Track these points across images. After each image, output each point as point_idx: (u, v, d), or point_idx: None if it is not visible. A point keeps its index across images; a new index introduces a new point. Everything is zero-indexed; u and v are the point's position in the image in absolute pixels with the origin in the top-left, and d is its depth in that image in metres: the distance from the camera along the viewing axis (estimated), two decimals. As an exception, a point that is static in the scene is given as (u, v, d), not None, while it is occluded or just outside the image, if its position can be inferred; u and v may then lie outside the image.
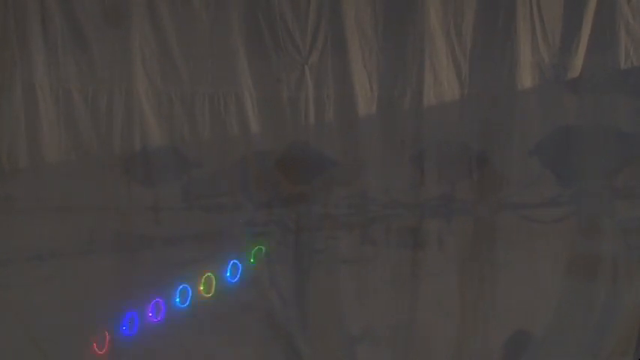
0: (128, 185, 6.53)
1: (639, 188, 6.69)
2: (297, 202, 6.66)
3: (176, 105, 6.56)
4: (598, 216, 6.67)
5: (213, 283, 6.54)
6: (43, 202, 6.46)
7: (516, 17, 6.60)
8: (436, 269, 6.68)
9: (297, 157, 6.64)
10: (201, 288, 6.52)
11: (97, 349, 6.43)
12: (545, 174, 6.65)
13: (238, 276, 6.56)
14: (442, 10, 6.64)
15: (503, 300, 6.66)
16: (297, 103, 6.61)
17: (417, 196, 6.68)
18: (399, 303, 6.67)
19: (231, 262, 6.56)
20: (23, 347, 6.39)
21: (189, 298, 6.51)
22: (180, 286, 6.49)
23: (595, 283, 6.66)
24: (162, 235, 6.55)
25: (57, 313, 6.37)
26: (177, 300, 6.50)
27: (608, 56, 6.61)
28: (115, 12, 6.50)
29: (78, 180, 6.49)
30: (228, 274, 6.57)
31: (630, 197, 6.67)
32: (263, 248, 6.57)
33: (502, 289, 6.67)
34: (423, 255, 6.68)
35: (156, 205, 6.57)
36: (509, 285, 6.66)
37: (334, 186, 6.67)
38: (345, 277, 6.68)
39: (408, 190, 6.68)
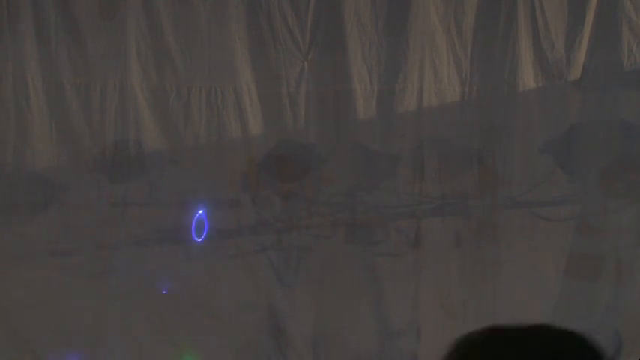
0: (120, 180, 6.38)
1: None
2: (292, 199, 6.53)
3: (171, 99, 6.42)
4: (601, 214, 6.57)
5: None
6: (32, 198, 6.31)
7: (518, 14, 6.52)
8: (436, 268, 6.55)
9: (295, 153, 6.52)
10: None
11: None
12: (551, 172, 6.54)
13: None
14: (443, 6, 6.56)
15: (505, 299, 6.53)
16: (297, 98, 6.50)
17: (417, 194, 6.56)
18: (398, 303, 6.53)
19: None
20: (14, 349, 6.21)
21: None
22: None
23: (598, 283, 6.55)
24: (156, 233, 6.40)
25: (52, 313, 6.21)
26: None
27: (611, 52, 6.56)
28: (110, 4, 6.38)
29: (68, 174, 6.33)
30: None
31: (635, 195, 6.58)
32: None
33: (504, 289, 6.54)
34: (423, 254, 6.55)
35: (149, 202, 6.41)
36: (511, 284, 6.53)
37: (331, 182, 6.54)
38: (343, 277, 6.53)
39: (408, 187, 6.56)
